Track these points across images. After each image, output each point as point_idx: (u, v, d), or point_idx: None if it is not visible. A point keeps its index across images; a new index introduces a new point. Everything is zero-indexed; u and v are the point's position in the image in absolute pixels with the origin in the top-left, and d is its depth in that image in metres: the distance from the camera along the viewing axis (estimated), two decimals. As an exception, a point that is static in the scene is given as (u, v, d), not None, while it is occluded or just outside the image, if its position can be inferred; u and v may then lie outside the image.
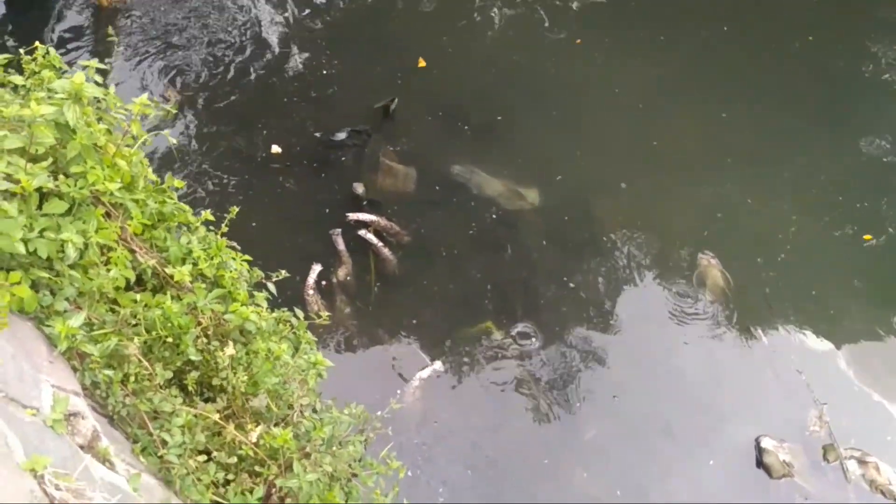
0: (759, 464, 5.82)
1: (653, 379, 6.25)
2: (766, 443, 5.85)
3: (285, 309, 4.12)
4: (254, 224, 6.42)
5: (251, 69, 7.81)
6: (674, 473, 5.77)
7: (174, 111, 3.89)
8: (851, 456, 5.93)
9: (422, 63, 8.08)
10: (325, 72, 7.89)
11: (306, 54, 8.07)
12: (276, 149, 7.05)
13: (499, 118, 7.80)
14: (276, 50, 8.03)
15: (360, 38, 8.37)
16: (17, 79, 3.23)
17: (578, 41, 8.74)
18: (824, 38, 9.04)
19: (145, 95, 3.24)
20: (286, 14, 8.40)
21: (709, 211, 7.41)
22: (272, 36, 8.17)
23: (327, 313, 4.37)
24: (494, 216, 6.98)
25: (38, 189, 2.77)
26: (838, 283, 7.11)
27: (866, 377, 6.48)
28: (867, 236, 7.42)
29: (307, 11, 8.52)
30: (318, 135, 7.19)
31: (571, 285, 6.74)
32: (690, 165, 7.70)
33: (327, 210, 6.75)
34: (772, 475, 5.74)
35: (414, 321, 6.27)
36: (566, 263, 6.80)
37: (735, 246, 7.13)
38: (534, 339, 6.28)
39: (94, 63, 3.22)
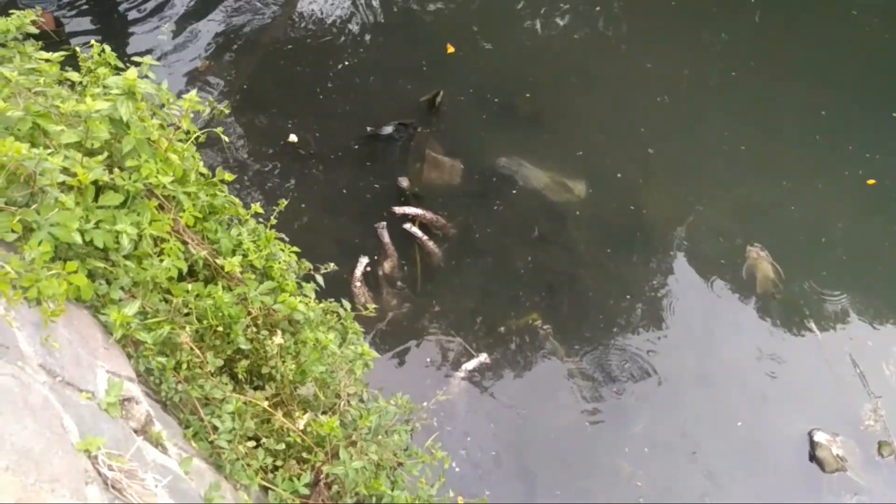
0: (812, 458, 5.71)
1: (703, 371, 6.17)
2: (819, 437, 5.74)
3: (332, 300, 4.20)
4: (301, 216, 6.52)
5: (280, 58, 7.92)
6: (725, 466, 5.69)
7: (227, 111, 3.96)
8: (907, 451, 5.78)
9: (450, 49, 8.03)
10: (347, 62, 7.92)
11: (334, 43, 8.12)
12: (292, 137, 7.14)
13: (527, 95, 7.76)
14: (306, 39, 8.11)
15: (385, 25, 8.37)
16: (74, 75, 3.34)
17: (598, 8, 8.64)
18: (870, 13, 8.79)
19: (194, 92, 3.33)
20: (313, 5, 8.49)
21: (758, 202, 7.27)
22: (298, 23, 8.26)
23: (374, 305, 4.43)
24: (541, 208, 6.95)
25: (94, 182, 2.86)
26: (894, 273, 6.92)
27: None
28: (870, 181, 7.33)
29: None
30: (369, 129, 7.24)
31: (618, 277, 6.69)
32: (740, 157, 7.55)
33: (373, 203, 6.80)
34: (825, 469, 5.63)
35: (460, 313, 6.29)
36: (613, 255, 6.75)
37: (786, 238, 6.98)
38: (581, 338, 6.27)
39: (148, 60, 3.31)
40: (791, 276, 6.73)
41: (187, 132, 3.48)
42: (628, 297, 6.56)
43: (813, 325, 6.45)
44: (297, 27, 8.23)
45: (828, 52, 8.48)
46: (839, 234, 7.10)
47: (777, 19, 8.78)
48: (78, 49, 3.74)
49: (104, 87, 3.10)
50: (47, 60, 3.27)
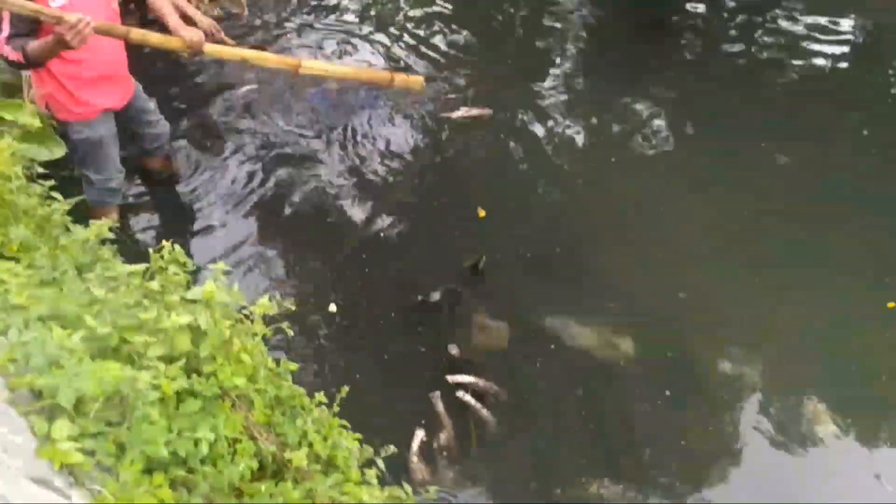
0: None
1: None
2: None
3: (392, 482, 4.19)
4: (352, 389, 6.53)
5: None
6: None
7: (293, 307, 4.06)
8: None
9: (482, 213, 8.30)
10: (383, 234, 8.15)
11: (368, 214, 8.36)
12: (332, 308, 7.24)
13: (557, 250, 7.93)
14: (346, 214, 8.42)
15: (414, 195, 8.66)
16: (153, 285, 3.53)
17: (613, 159, 8.89)
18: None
19: (267, 297, 3.50)
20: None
21: (808, 342, 7.18)
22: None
23: (435, 487, 4.40)
24: (590, 368, 6.95)
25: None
26: None
27: None
28: (891, 304, 7.21)
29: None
30: (420, 297, 7.40)
31: (674, 427, 6.56)
32: (807, 304, 7.50)
33: (422, 371, 6.85)
34: None
35: (516, 483, 6.17)
36: (669, 416, 6.64)
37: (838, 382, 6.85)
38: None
39: (221, 265, 3.51)
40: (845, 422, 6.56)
41: (256, 332, 3.62)
42: (688, 456, 6.41)
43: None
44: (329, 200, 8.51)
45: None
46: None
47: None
48: (151, 251, 3.96)
49: (182, 297, 3.28)
50: (130, 274, 3.47)
